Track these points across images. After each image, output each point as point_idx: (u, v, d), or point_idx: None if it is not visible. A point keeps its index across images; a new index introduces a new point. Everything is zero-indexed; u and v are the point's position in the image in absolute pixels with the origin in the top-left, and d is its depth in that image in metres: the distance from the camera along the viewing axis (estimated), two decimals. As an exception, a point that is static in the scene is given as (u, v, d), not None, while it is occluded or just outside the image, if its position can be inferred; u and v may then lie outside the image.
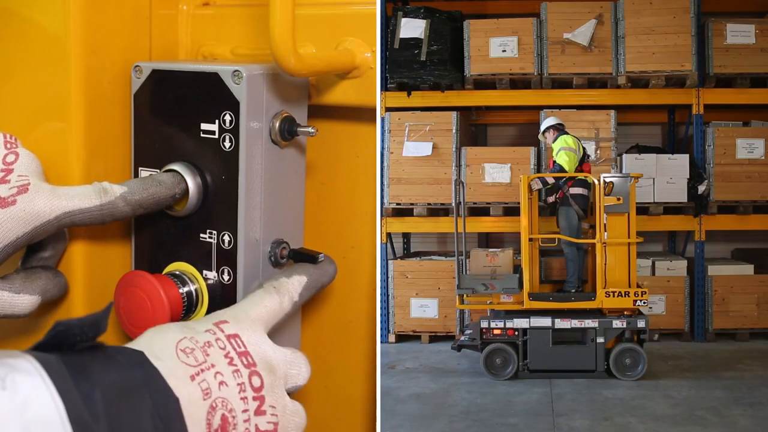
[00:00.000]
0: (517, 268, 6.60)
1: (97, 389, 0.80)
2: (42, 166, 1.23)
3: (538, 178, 6.49)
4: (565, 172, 6.43)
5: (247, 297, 1.14)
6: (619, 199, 6.13)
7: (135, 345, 0.94)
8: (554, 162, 6.61)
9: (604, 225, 6.15)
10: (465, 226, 6.72)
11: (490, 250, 7.06)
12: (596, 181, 6.18)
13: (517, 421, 5.24)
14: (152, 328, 1.01)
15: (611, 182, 6.21)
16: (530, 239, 6.35)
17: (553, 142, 6.70)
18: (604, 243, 6.16)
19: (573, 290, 6.45)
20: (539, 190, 6.58)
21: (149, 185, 1.21)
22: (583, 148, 6.67)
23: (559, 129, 6.74)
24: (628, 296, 6.07)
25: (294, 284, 1.19)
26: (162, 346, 0.94)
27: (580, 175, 6.47)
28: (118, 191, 1.17)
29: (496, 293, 6.29)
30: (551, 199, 6.65)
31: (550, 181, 6.52)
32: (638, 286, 6.13)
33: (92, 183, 1.18)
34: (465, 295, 6.42)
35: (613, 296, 6.07)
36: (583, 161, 6.60)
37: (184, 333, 0.98)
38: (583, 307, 6.17)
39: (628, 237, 6.17)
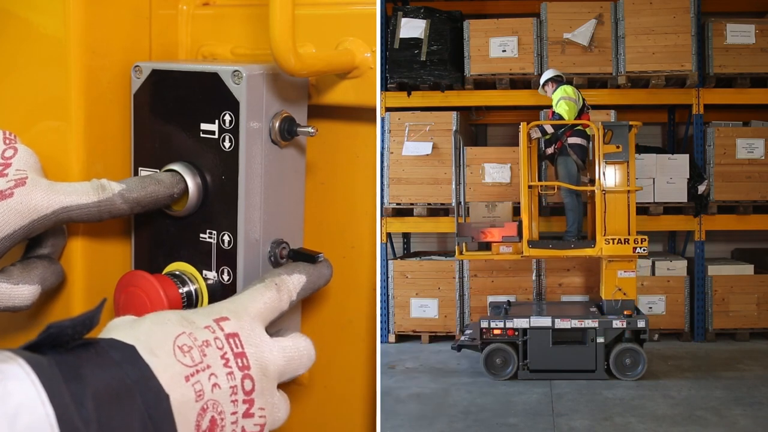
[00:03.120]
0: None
1: (88, 392, 0.79)
2: (41, 164, 1.23)
3: (537, 126, 6.48)
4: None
5: (247, 289, 1.13)
6: (618, 147, 6.13)
7: (132, 334, 0.93)
8: (553, 113, 6.59)
9: (604, 173, 6.16)
10: (465, 226, 6.72)
11: (490, 202, 7.01)
12: (595, 130, 6.16)
13: (517, 421, 5.24)
14: (152, 314, 1.00)
15: (610, 130, 6.20)
16: (529, 186, 6.35)
17: (553, 93, 6.68)
18: (604, 191, 6.17)
19: (573, 239, 6.44)
20: (538, 140, 6.57)
21: (148, 184, 1.21)
22: (583, 99, 6.65)
23: (558, 81, 6.72)
24: (628, 243, 6.09)
25: (294, 282, 1.18)
26: (160, 341, 0.93)
27: (579, 123, 6.42)
28: (116, 188, 1.18)
29: (496, 243, 6.30)
30: (550, 150, 6.63)
31: (549, 130, 6.49)
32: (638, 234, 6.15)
33: (91, 180, 1.19)
34: (465, 245, 6.42)
35: (613, 243, 6.09)
36: (583, 112, 6.56)
37: (183, 327, 0.97)
38: (583, 255, 6.20)
39: (627, 185, 6.18)
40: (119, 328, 0.95)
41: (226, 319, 1.03)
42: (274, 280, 1.15)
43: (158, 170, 1.29)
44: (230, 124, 1.23)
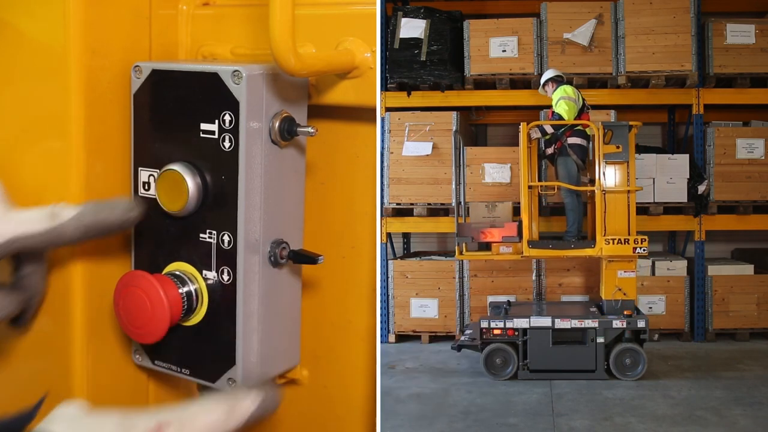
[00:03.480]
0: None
1: None
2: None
3: (537, 126, 6.47)
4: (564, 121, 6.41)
5: (203, 401, 1.14)
6: (618, 147, 6.13)
7: (70, 429, 0.95)
8: (553, 113, 6.57)
9: (604, 173, 6.16)
10: (465, 226, 6.72)
11: (490, 202, 7.00)
12: (595, 130, 6.14)
13: (517, 421, 5.24)
14: (95, 414, 1.02)
15: (610, 130, 6.20)
16: (529, 186, 6.35)
17: (553, 93, 6.67)
18: (604, 191, 6.18)
19: (573, 239, 6.43)
20: (538, 140, 6.56)
21: (102, 209, 1.22)
22: (583, 99, 6.63)
23: (559, 81, 6.71)
24: (628, 243, 6.09)
25: (246, 407, 1.16)
26: None
27: (579, 123, 6.40)
28: (68, 215, 1.19)
29: (496, 243, 6.30)
30: (550, 150, 6.62)
31: (549, 130, 6.48)
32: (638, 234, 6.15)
33: (48, 206, 1.20)
34: (465, 245, 6.42)
35: (613, 243, 6.10)
36: (583, 112, 6.54)
37: (120, 430, 0.99)
38: (583, 255, 6.20)
39: (627, 185, 6.18)
40: (58, 423, 0.97)
41: (168, 424, 1.05)
42: (230, 402, 1.15)
43: (158, 170, 1.29)
44: (230, 124, 1.23)
